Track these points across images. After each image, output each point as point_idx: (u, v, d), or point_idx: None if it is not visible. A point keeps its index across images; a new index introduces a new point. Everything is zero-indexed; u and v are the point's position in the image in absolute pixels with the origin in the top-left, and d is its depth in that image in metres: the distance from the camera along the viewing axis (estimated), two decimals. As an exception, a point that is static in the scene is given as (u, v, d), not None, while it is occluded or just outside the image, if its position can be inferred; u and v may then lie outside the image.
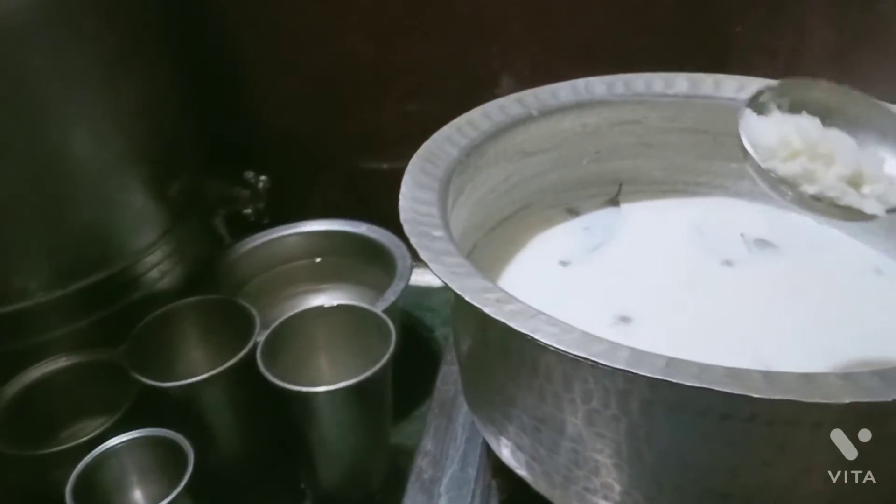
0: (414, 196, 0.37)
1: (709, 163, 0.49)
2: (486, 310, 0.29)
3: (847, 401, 0.24)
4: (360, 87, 0.64)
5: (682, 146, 0.48)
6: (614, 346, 0.27)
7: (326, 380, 0.44)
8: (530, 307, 0.30)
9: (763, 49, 0.56)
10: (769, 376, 0.26)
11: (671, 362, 0.27)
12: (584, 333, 0.28)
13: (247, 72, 0.66)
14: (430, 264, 0.32)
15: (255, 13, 0.62)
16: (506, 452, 0.37)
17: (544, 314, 0.29)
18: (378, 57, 0.63)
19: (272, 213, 0.63)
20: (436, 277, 0.32)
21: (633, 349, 0.27)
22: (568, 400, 0.31)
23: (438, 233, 0.35)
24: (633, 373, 0.26)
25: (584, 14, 0.58)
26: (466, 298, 0.30)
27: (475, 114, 0.45)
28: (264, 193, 0.59)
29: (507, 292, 0.31)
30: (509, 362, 0.33)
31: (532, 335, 0.28)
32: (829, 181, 0.31)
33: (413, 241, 0.34)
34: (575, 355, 0.27)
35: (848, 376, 0.26)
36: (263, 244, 0.61)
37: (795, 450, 0.29)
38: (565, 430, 0.32)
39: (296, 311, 0.49)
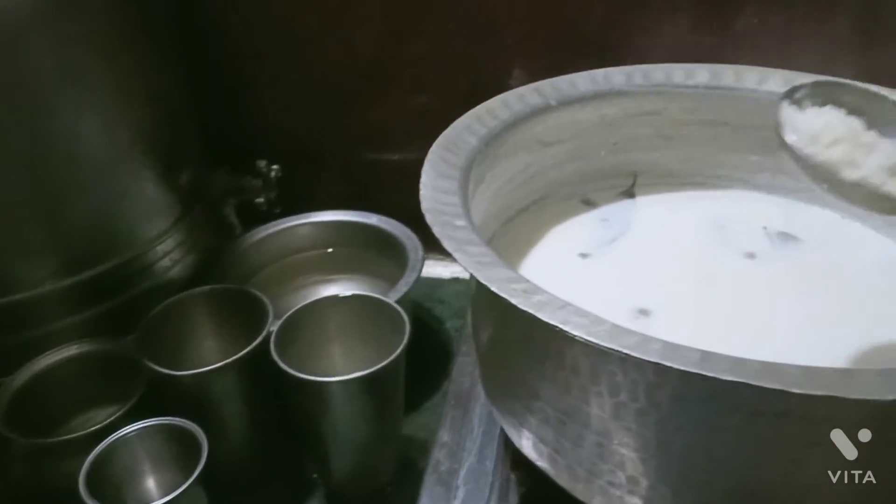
0: (435, 185, 0.37)
1: (728, 155, 0.48)
2: (514, 301, 0.29)
3: (890, 398, 0.24)
4: (369, 79, 0.64)
5: (701, 138, 0.48)
6: (646, 339, 0.27)
7: (339, 370, 0.44)
8: (558, 298, 0.29)
9: (781, 41, 0.55)
10: (807, 371, 0.26)
11: (705, 356, 0.26)
12: (615, 325, 0.28)
13: (254, 64, 0.65)
14: (454, 254, 0.32)
15: (262, 6, 0.62)
16: (527, 445, 0.36)
17: (572, 305, 0.29)
18: (386, 49, 0.62)
19: (282, 203, 0.62)
20: (446, 269, 0.31)
21: (665, 342, 0.27)
22: (595, 393, 0.31)
23: (461, 222, 0.34)
24: (666, 366, 0.26)
25: (597, 4, 0.57)
26: (493, 289, 0.29)
27: (494, 103, 0.44)
28: (276, 183, 0.58)
29: (533, 283, 0.30)
30: (533, 354, 0.33)
31: (562, 327, 0.27)
32: (871, 168, 0.30)
33: (436, 230, 0.33)
34: (606, 347, 0.27)
35: (885, 373, 0.26)
36: (274, 234, 0.60)
37: (826, 447, 0.28)
38: (591, 424, 0.32)
39: (309, 300, 0.49)
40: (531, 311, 0.28)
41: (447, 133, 0.41)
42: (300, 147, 0.67)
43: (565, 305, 0.29)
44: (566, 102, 0.46)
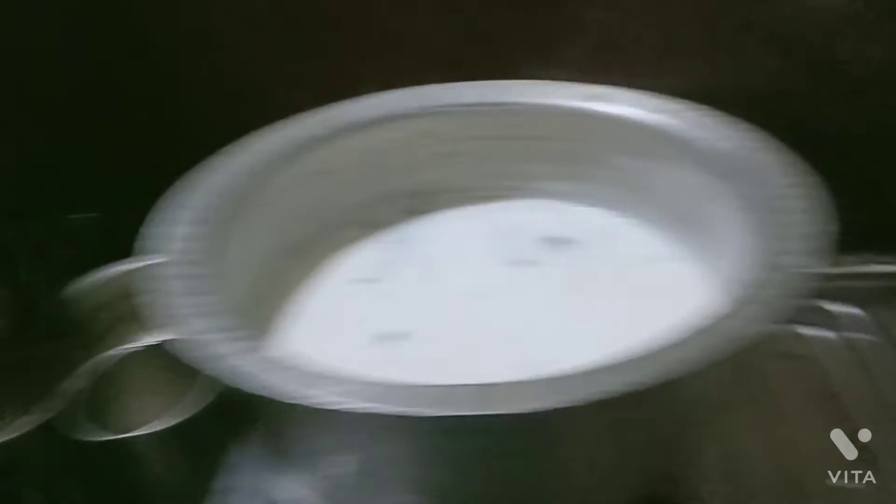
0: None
1: (514, 166, 0.49)
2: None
3: (528, 409, 0.25)
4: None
5: (482, 153, 0.48)
6: (339, 378, 0.27)
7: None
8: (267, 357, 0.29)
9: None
10: (482, 390, 0.26)
11: (386, 389, 0.27)
12: (303, 372, 0.28)
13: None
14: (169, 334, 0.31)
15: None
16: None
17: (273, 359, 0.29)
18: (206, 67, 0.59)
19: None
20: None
21: (380, 384, 0.27)
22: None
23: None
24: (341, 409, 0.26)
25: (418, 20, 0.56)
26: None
27: (269, 133, 0.44)
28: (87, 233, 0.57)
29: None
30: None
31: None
32: None
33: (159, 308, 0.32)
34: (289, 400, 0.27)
35: (524, 383, 0.27)
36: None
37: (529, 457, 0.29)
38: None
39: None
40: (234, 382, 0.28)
41: (196, 174, 0.41)
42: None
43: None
44: (350, 128, 0.47)
